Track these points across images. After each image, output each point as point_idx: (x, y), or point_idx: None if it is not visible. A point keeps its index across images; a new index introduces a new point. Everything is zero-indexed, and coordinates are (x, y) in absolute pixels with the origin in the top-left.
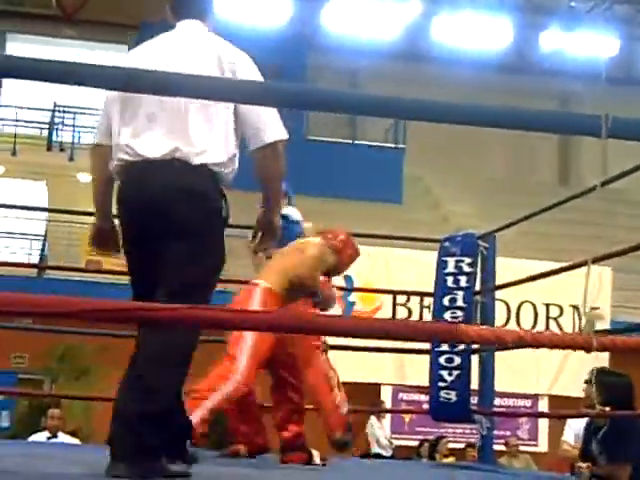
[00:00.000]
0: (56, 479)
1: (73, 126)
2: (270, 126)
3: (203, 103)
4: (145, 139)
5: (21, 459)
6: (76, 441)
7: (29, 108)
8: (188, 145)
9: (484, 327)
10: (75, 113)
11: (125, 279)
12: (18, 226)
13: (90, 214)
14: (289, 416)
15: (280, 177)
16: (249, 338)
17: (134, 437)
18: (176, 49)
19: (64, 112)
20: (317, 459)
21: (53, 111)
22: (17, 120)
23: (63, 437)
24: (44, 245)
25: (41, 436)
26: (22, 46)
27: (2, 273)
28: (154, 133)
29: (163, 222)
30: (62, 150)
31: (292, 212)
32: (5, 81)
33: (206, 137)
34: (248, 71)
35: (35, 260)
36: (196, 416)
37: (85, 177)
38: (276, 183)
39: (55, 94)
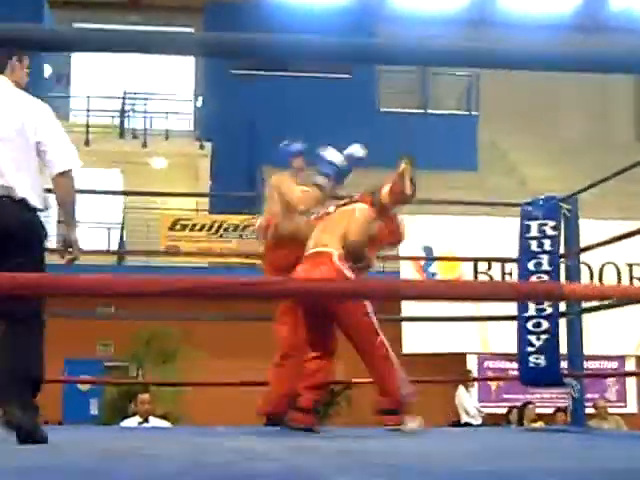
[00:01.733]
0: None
1: (144, 112)
2: (61, 157)
3: (14, 141)
4: None
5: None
6: (167, 424)
7: (100, 97)
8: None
9: (587, 284)
10: (146, 99)
11: (204, 261)
12: (96, 215)
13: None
14: None
15: (72, 200)
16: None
17: None
18: None
19: (134, 99)
20: None
21: (124, 98)
22: (88, 110)
23: (154, 421)
24: (122, 232)
25: (132, 421)
26: None
27: (83, 262)
28: None
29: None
30: (135, 137)
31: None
32: (74, 71)
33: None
34: (50, 122)
35: (114, 248)
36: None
37: (159, 162)
38: (69, 206)
39: (125, 81)
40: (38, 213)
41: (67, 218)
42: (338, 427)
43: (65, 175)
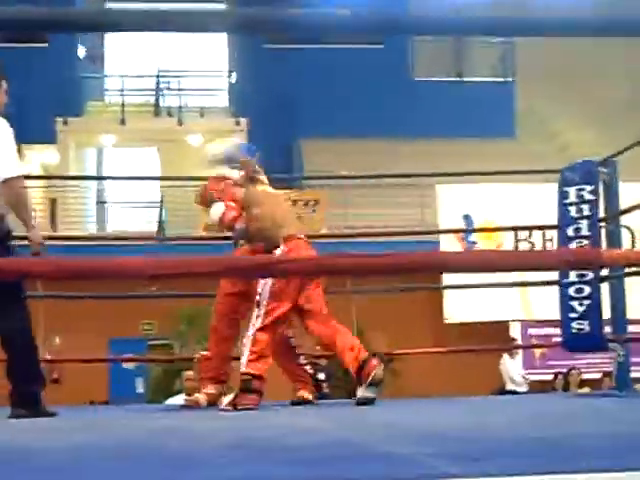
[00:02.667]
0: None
1: (179, 90)
2: (3, 165)
3: None
4: None
5: (189, 419)
6: None
7: (134, 76)
8: None
9: (628, 249)
10: (179, 77)
11: None
12: (135, 195)
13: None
14: None
15: (22, 204)
16: None
17: None
18: None
19: (169, 77)
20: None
21: (158, 77)
22: (123, 89)
23: None
24: (161, 211)
25: (178, 399)
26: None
27: (124, 243)
28: None
29: None
30: (170, 115)
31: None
32: (108, 51)
33: None
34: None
35: (154, 227)
36: None
37: (195, 140)
38: (21, 210)
39: (159, 59)
40: None
41: (22, 221)
42: (383, 399)
43: (6, 183)
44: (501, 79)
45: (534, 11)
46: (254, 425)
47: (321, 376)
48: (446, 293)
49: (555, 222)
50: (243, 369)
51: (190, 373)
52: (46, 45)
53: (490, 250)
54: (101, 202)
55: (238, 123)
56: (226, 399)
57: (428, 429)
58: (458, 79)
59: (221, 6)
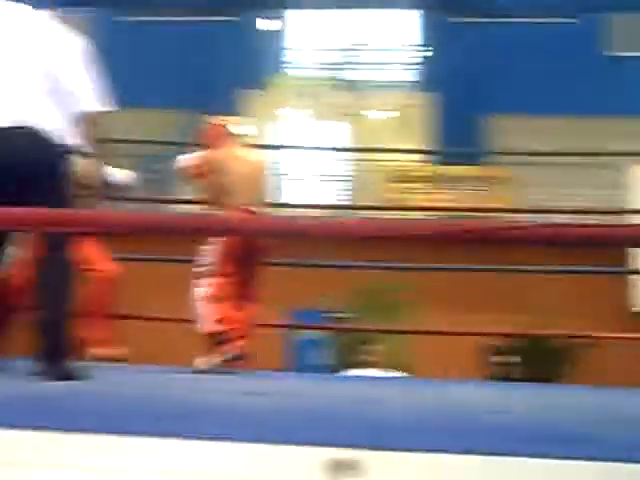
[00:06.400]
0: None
1: (364, 64)
2: (86, 97)
3: (35, 73)
4: None
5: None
6: (395, 374)
7: (318, 50)
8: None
9: None
10: (365, 50)
11: (431, 214)
12: (324, 168)
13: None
14: None
15: (92, 141)
16: None
17: None
18: None
19: (354, 50)
20: None
21: (343, 50)
22: (306, 63)
23: (382, 372)
24: (344, 185)
25: (361, 371)
26: None
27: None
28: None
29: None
30: (354, 89)
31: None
32: (293, 25)
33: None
34: (81, 57)
35: (335, 201)
36: None
37: (379, 115)
38: (88, 146)
39: (344, 33)
40: (63, 150)
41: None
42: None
43: (87, 117)
44: None
45: None
46: (444, 401)
47: (514, 359)
48: (634, 279)
49: None
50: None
51: (372, 347)
52: (235, 19)
53: None
54: (281, 174)
55: (424, 98)
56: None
57: None
58: None
59: None
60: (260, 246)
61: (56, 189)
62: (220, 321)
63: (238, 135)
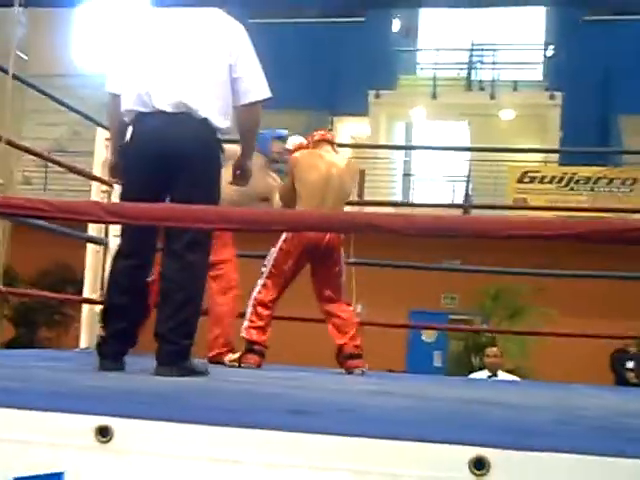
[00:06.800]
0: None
1: (493, 63)
2: (254, 86)
3: (203, 60)
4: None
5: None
6: (515, 378)
7: (447, 49)
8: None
9: None
10: (494, 50)
11: (553, 215)
12: (441, 168)
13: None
14: None
15: (255, 132)
16: None
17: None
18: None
19: (482, 50)
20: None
21: (471, 50)
22: (436, 63)
23: (502, 375)
24: (468, 185)
25: (481, 375)
26: None
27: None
28: (166, 86)
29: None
30: (482, 89)
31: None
32: (423, 25)
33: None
34: (246, 45)
35: (459, 201)
36: None
37: (507, 114)
38: (250, 136)
39: (473, 33)
40: (219, 136)
41: (245, 148)
42: None
43: (254, 106)
44: None
45: None
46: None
47: (629, 364)
48: None
49: None
50: (243, 334)
51: (494, 349)
52: (363, 19)
53: None
54: (407, 174)
55: (553, 97)
56: (232, 356)
57: None
58: None
59: None
60: (329, 245)
61: (208, 172)
62: (255, 329)
63: (327, 140)
